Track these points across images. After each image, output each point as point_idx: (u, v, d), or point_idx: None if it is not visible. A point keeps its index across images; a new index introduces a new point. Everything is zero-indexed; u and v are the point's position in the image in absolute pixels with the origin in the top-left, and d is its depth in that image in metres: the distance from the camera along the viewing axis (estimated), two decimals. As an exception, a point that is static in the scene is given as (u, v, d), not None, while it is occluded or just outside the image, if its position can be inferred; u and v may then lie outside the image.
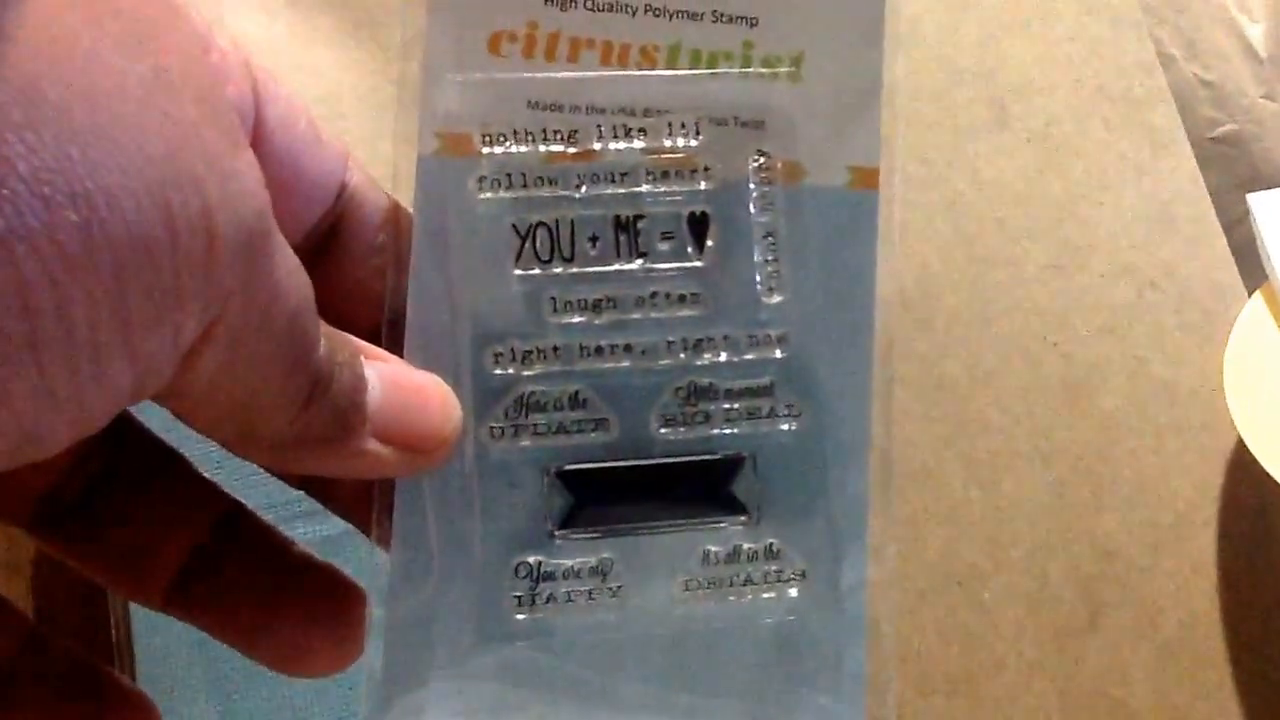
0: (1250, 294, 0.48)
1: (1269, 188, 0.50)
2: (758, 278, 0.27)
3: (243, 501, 0.27)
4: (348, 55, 0.50)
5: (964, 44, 0.54)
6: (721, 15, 0.27)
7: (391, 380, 0.24)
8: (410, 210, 0.26)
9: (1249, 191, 0.50)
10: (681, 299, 0.26)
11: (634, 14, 0.27)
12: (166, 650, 0.43)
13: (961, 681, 0.46)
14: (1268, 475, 0.44)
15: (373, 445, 0.24)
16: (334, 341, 0.23)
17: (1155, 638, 0.46)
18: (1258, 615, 0.47)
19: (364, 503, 0.26)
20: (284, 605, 0.26)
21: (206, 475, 0.26)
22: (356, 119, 0.49)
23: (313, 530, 0.36)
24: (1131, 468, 0.48)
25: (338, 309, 0.24)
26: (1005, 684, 0.46)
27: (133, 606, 0.43)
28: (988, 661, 0.46)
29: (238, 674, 0.43)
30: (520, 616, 0.26)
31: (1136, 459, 0.48)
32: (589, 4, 0.27)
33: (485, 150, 0.26)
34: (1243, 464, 0.48)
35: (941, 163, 0.53)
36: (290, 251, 0.21)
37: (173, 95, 0.19)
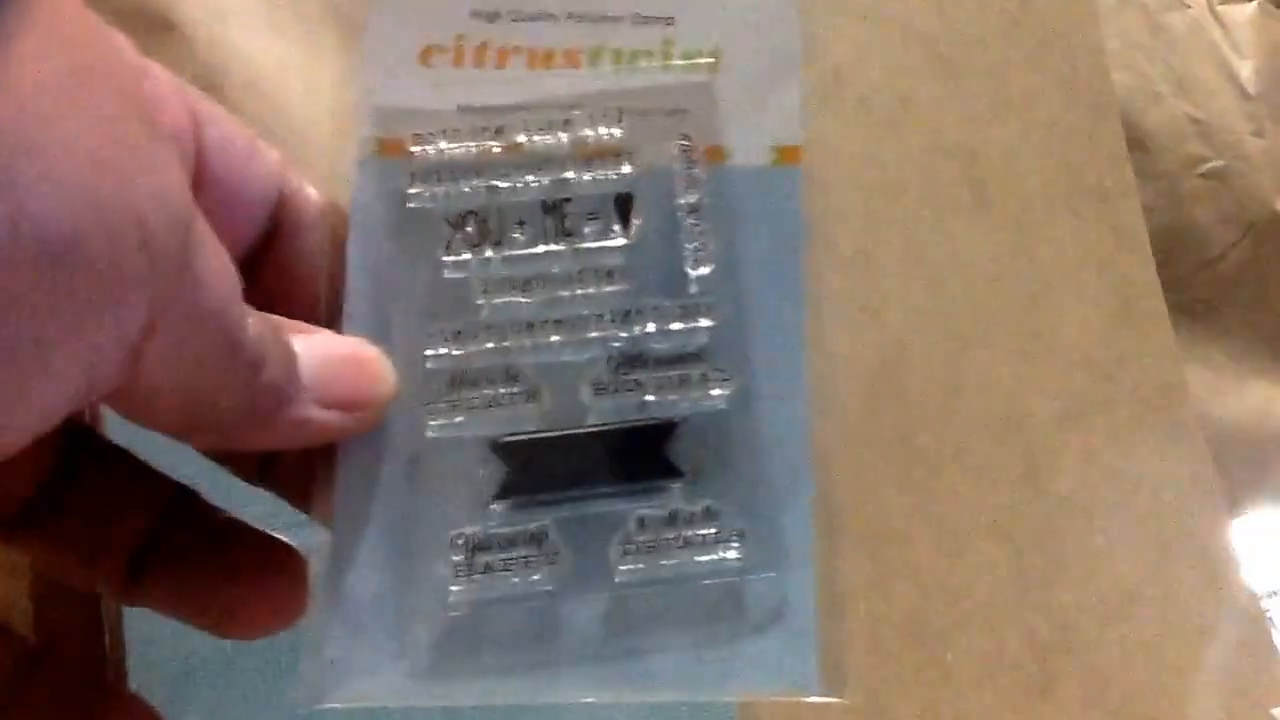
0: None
1: (1254, 223, 0.50)
2: (684, 252, 0.27)
3: (184, 483, 0.27)
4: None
5: (949, 121, 0.55)
6: (641, 17, 0.28)
7: (322, 349, 0.25)
8: (345, 210, 0.27)
9: (1233, 225, 0.50)
10: (609, 275, 0.27)
11: (557, 21, 0.28)
12: (158, 648, 0.42)
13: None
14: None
15: (314, 412, 0.24)
16: (259, 321, 0.23)
17: (1105, 705, 0.47)
18: (1197, 689, 0.48)
19: (308, 482, 0.26)
20: (225, 570, 0.26)
21: (149, 463, 0.27)
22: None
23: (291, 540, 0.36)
24: (1083, 547, 0.49)
25: (279, 309, 0.25)
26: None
27: (125, 615, 0.42)
28: (949, 717, 0.45)
29: (230, 684, 0.42)
30: (458, 587, 0.25)
31: (1086, 540, 0.49)
32: (513, 15, 0.28)
33: (417, 149, 0.27)
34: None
35: (922, 240, 0.53)
36: (215, 239, 0.22)
37: (92, 91, 0.19)
